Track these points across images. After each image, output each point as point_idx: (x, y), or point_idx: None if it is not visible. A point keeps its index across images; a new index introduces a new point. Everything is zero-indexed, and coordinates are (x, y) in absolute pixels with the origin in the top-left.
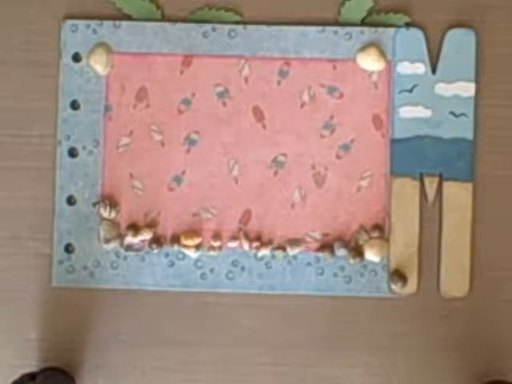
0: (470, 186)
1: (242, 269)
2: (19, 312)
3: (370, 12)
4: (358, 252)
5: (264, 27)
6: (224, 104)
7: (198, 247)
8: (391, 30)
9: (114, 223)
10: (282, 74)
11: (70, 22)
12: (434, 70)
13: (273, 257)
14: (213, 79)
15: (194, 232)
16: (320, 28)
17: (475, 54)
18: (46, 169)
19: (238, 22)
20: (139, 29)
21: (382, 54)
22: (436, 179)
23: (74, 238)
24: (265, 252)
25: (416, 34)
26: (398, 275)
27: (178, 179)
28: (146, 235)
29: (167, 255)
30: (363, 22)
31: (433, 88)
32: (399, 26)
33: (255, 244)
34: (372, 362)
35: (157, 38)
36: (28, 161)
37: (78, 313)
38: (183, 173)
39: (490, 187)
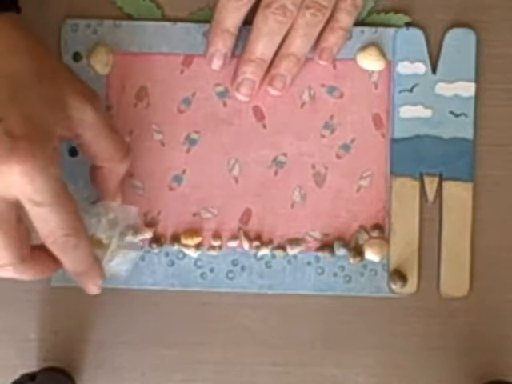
0: (470, 185)
1: (242, 268)
2: (19, 312)
3: (370, 12)
4: (357, 252)
5: None
6: (224, 104)
7: (198, 247)
8: (391, 30)
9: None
10: None
11: (70, 21)
12: (434, 70)
13: (273, 256)
14: (213, 79)
15: (194, 231)
16: None
17: (475, 54)
18: None
19: None
20: (140, 28)
21: (382, 53)
22: (436, 179)
23: None
24: (265, 251)
25: (416, 34)
26: (398, 275)
27: (178, 179)
28: (146, 234)
29: (167, 254)
30: (363, 22)
31: (433, 88)
32: (399, 26)
33: (255, 243)
34: (372, 362)
35: (157, 38)
36: None
37: (77, 313)
38: (183, 172)
39: (490, 187)
